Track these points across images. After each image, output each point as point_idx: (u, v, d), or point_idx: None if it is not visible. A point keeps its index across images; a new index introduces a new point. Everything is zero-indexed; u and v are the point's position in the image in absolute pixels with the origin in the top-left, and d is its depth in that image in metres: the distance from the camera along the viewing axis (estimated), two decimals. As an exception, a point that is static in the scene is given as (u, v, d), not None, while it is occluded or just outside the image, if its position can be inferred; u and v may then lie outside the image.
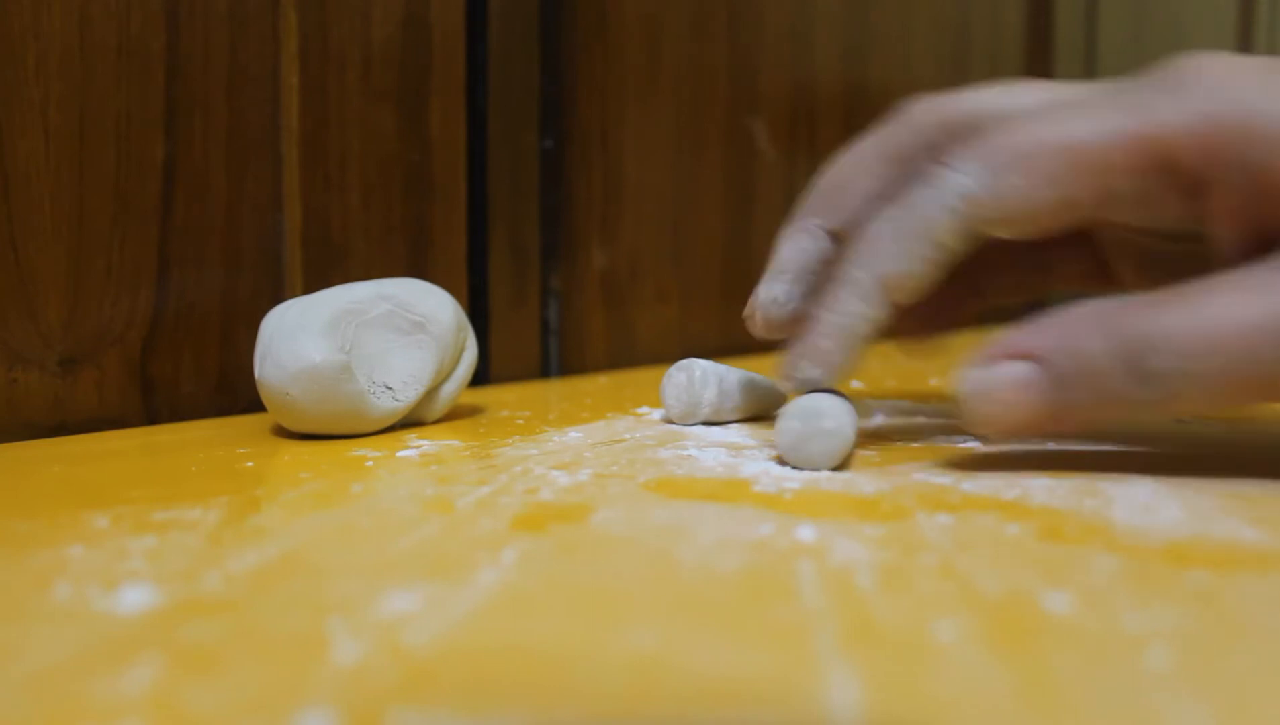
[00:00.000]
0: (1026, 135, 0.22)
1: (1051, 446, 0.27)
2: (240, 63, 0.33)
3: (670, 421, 0.30)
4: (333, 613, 0.15)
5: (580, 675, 0.13)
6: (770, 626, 0.15)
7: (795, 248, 0.27)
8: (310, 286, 0.35)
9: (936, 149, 0.24)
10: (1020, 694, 0.12)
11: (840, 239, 0.27)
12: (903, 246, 0.23)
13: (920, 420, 0.31)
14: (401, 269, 0.37)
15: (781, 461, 0.24)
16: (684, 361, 0.30)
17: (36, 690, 0.13)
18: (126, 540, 0.18)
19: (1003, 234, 0.23)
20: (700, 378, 0.29)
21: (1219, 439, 0.28)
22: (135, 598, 0.15)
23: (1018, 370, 0.21)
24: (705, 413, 0.30)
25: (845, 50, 0.56)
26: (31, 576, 0.17)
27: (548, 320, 0.43)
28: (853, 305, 0.24)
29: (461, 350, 0.31)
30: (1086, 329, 0.21)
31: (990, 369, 0.22)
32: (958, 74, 0.64)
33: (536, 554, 0.18)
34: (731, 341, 0.52)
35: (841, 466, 0.24)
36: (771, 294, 0.27)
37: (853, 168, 0.27)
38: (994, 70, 0.67)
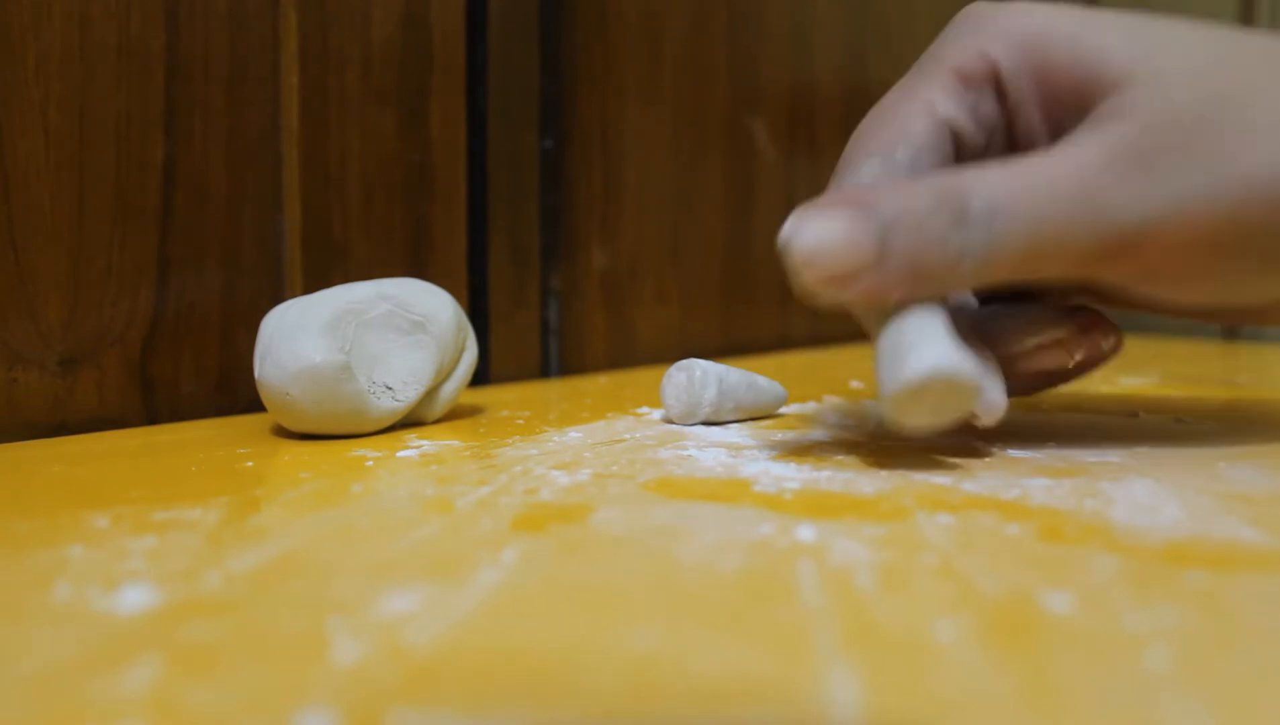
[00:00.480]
0: (1167, 225, 0.22)
1: (1051, 448, 0.27)
2: (240, 63, 0.33)
3: (670, 421, 0.30)
4: (333, 613, 0.15)
5: (581, 675, 0.13)
6: (770, 626, 0.15)
7: (857, 174, 0.25)
8: (310, 287, 0.35)
9: (1016, 98, 0.24)
10: (1020, 694, 0.12)
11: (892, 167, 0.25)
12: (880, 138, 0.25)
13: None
14: (401, 269, 0.37)
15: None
16: (684, 362, 0.30)
17: (37, 690, 0.13)
18: (126, 540, 0.18)
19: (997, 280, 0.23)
20: (700, 378, 0.29)
21: (1219, 440, 0.28)
22: (135, 598, 0.15)
23: (840, 218, 0.21)
24: (705, 413, 0.30)
25: (845, 50, 0.56)
26: (32, 576, 0.17)
27: (548, 320, 0.43)
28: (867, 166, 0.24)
29: (461, 350, 0.31)
30: (914, 186, 0.22)
31: (812, 217, 0.22)
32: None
33: (537, 554, 0.18)
34: (731, 341, 0.52)
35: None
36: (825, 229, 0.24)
37: (902, 97, 0.25)
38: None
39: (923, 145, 0.24)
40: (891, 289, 0.22)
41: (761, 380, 0.31)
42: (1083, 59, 0.23)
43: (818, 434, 0.29)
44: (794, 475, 0.24)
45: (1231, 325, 0.23)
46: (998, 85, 0.24)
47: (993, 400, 0.24)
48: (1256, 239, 0.22)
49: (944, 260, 0.22)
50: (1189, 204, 0.21)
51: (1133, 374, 0.42)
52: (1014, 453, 0.26)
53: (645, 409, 0.33)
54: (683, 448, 0.27)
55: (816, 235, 0.21)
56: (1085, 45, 0.23)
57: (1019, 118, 0.24)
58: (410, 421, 0.30)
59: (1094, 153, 0.22)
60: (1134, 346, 0.56)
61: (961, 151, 0.25)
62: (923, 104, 0.24)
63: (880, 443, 0.27)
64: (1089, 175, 0.22)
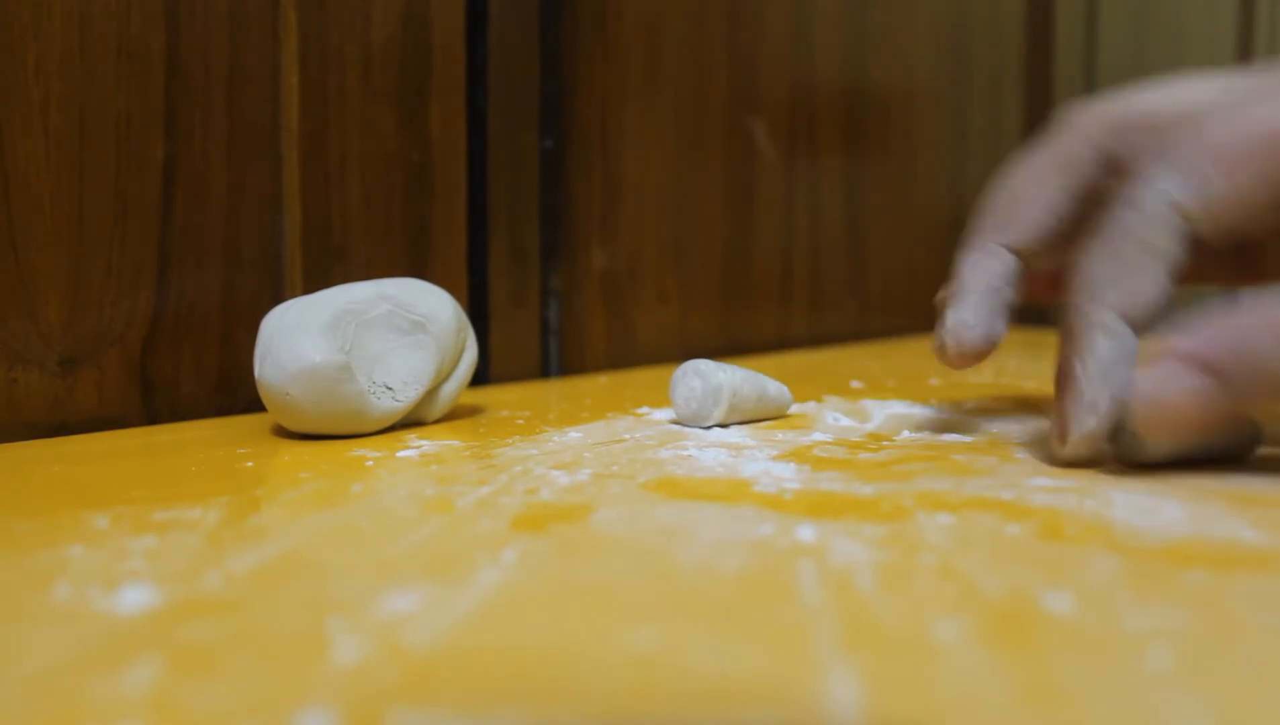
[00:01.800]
0: (1226, 133, 0.22)
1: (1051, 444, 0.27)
2: (240, 63, 0.33)
3: (679, 423, 0.30)
4: (333, 613, 0.15)
5: (581, 675, 0.13)
6: (770, 626, 0.15)
7: (978, 268, 0.26)
8: (310, 286, 0.35)
9: (1115, 158, 0.24)
10: (1020, 694, 0.12)
11: (1022, 256, 0.26)
12: (1134, 275, 0.22)
13: (920, 420, 0.31)
14: (402, 269, 0.37)
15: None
16: (693, 362, 0.30)
17: (37, 690, 0.13)
18: (126, 540, 0.18)
19: (1220, 240, 0.22)
20: (714, 389, 0.29)
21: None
22: (135, 598, 0.15)
23: (1192, 381, 0.20)
24: (718, 416, 0.29)
25: (845, 50, 0.56)
26: (32, 577, 0.17)
27: (548, 320, 0.43)
28: (1105, 347, 0.23)
29: (461, 350, 0.31)
30: (1258, 332, 0.20)
31: (1157, 371, 0.21)
32: (958, 74, 0.64)
33: (537, 554, 0.18)
34: (731, 342, 0.52)
35: None
36: (961, 317, 0.26)
37: (1026, 182, 0.26)
38: (994, 70, 0.67)
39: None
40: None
41: (771, 387, 0.31)
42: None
43: (818, 434, 0.29)
44: (794, 475, 0.24)
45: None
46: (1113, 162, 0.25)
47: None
48: None
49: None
50: None
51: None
52: (1014, 453, 0.26)
53: (645, 409, 0.33)
54: (683, 448, 0.27)
55: (1160, 405, 0.21)
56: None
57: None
58: (410, 421, 0.30)
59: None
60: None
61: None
62: (1061, 174, 0.26)
63: (880, 443, 0.27)
64: None
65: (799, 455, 0.26)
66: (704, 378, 0.29)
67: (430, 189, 0.38)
